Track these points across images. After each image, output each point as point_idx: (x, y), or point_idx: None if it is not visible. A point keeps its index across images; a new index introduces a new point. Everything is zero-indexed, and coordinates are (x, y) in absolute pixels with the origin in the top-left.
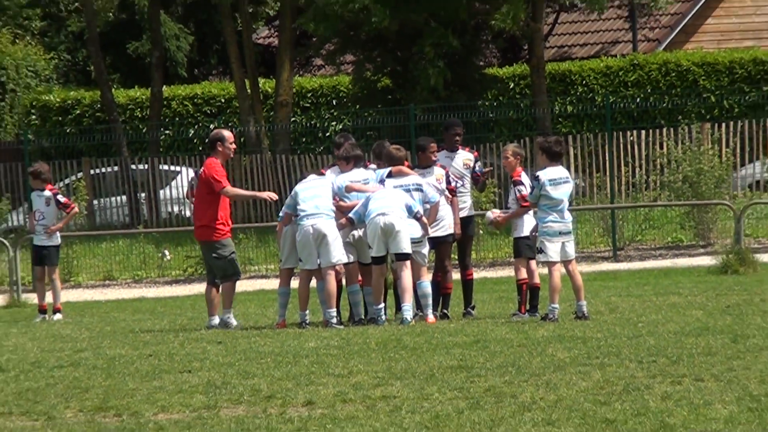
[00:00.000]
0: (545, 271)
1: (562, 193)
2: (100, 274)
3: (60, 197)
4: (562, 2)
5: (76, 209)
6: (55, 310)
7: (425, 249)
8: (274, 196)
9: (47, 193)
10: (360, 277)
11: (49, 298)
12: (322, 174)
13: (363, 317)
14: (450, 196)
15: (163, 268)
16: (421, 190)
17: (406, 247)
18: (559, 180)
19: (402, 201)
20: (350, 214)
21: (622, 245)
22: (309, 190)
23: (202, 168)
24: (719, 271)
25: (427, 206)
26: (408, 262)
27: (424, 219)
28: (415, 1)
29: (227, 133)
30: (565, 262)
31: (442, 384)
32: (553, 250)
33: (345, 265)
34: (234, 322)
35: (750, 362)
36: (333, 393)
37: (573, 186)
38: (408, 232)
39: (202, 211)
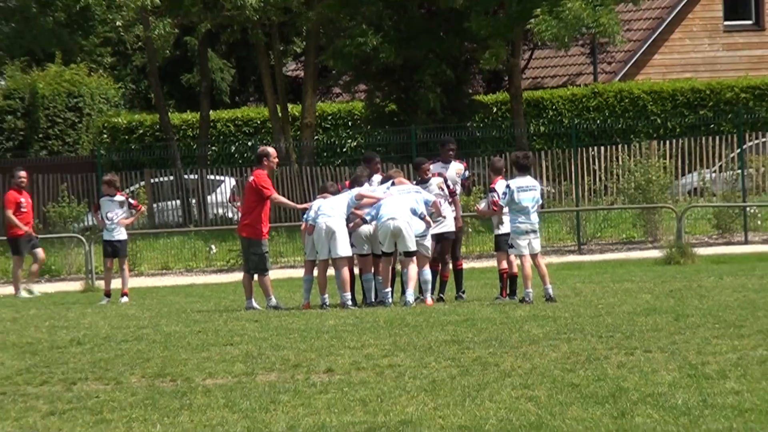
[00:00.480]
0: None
1: (528, 198)
2: (159, 265)
3: (131, 200)
4: (536, 42)
5: (143, 209)
6: (123, 294)
7: (428, 242)
8: (302, 207)
9: (120, 197)
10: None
11: (117, 284)
12: (346, 186)
13: (373, 300)
14: (451, 198)
15: (209, 260)
16: (420, 192)
17: (412, 246)
18: (526, 188)
19: (408, 205)
20: (365, 215)
21: (585, 241)
22: (327, 201)
23: (252, 177)
24: (664, 262)
25: (428, 206)
26: (414, 258)
27: (428, 218)
28: (416, 40)
29: (272, 150)
30: (532, 255)
31: (438, 355)
32: (522, 245)
33: (361, 256)
34: (279, 304)
35: (689, 337)
36: (349, 362)
37: (539, 192)
38: (412, 233)
39: (249, 213)
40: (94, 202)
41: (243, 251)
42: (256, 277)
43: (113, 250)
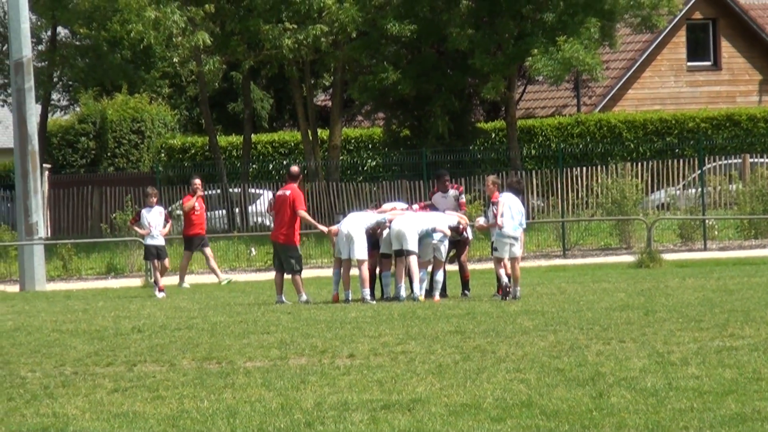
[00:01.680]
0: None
1: (516, 212)
2: (206, 265)
3: (165, 212)
4: (529, 77)
5: (171, 222)
6: (160, 290)
7: (444, 248)
8: (327, 229)
9: (159, 208)
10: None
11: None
12: (377, 207)
13: (390, 296)
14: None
15: (250, 261)
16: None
17: (411, 247)
18: (515, 204)
19: (416, 219)
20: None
21: (569, 247)
22: (354, 214)
23: (291, 192)
24: (636, 266)
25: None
26: (414, 257)
27: (442, 229)
28: (427, 75)
29: (294, 168)
30: (512, 259)
31: (444, 343)
32: (503, 250)
33: (383, 256)
34: (309, 299)
35: (657, 329)
36: (368, 349)
37: (522, 210)
38: (414, 236)
39: (284, 222)
40: (134, 212)
41: (277, 254)
42: (288, 276)
43: (158, 253)
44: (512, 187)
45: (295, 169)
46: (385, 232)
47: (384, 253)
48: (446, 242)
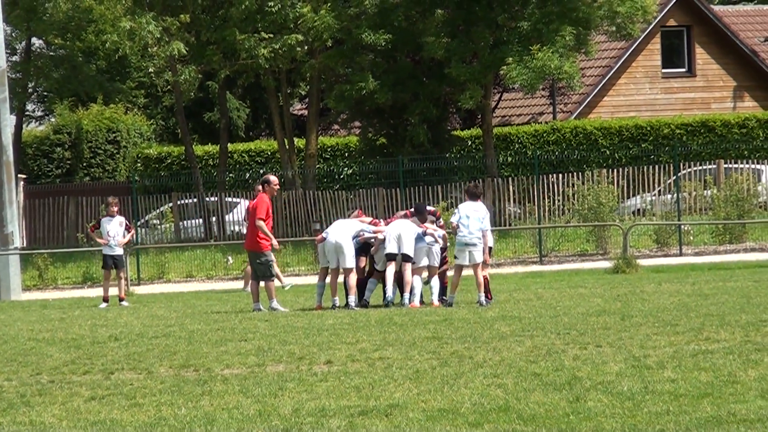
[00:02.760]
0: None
1: (475, 218)
2: (184, 273)
3: (126, 222)
4: (505, 86)
5: (133, 232)
6: (121, 299)
7: (437, 254)
8: (277, 246)
9: (120, 218)
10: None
11: (114, 290)
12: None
13: (367, 301)
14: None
15: (227, 269)
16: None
17: (409, 251)
18: (474, 211)
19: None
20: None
21: (545, 253)
22: (339, 222)
23: (255, 200)
24: (612, 271)
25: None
26: (409, 265)
27: (432, 233)
28: (403, 84)
29: (273, 178)
30: (474, 265)
31: (421, 349)
32: (462, 257)
33: (377, 271)
34: (281, 308)
35: (633, 334)
36: (345, 355)
37: (485, 215)
38: (411, 241)
39: (249, 230)
40: (91, 222)
41: (250, 262)
42: (262, 283)
43: (114, 263)
44: (469, 192)
45: (265, 177)
46: (382, 251)
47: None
48: (437, 248)
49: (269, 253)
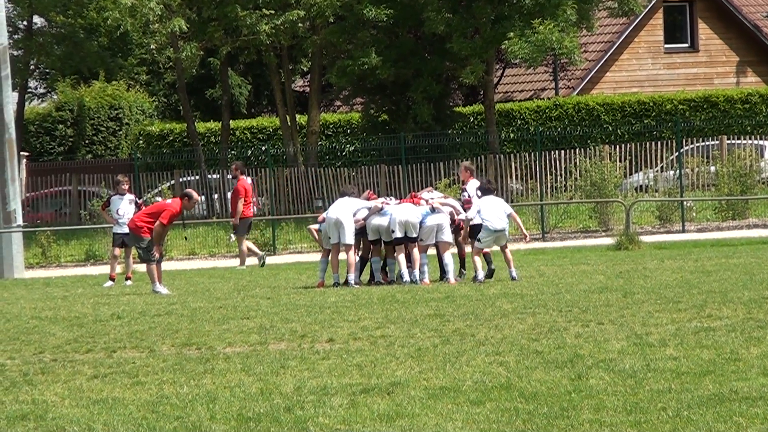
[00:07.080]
0: (495, 248)
1: (499, 210)
2: (186, 251)
3: (138, 200)
4: (507, 61)
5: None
6: (127, 278)
7: (448, 230)
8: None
9: (130, 196)
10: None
11: (119, 269)
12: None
13: (380, 279)
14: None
15: (229, 247)
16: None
17: (414, 233)
18: (493, 205)
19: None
20: (381, 211)
21: (548, 230)
22: (340, 200)
23: (170, 201)
24: (615, 248)
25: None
26: (416, 243)
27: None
28: (405, 60)
29: (196, 195)
30: (502, 247)
31: (423, 327)
32: (487, 241)
33: (372, 243)
34: (163, 291)
35: (635, 311)
36: (347, 333)
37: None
38: (417, 224)
39: (140, 215)
40: (103, 199)
41: (131, 243)
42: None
43: (124, 242)
44: (484, 188)
45: (188, 191)
46: (373, 220)
47: (372, 240)
48: (447, 224)
49: (146, 238)
